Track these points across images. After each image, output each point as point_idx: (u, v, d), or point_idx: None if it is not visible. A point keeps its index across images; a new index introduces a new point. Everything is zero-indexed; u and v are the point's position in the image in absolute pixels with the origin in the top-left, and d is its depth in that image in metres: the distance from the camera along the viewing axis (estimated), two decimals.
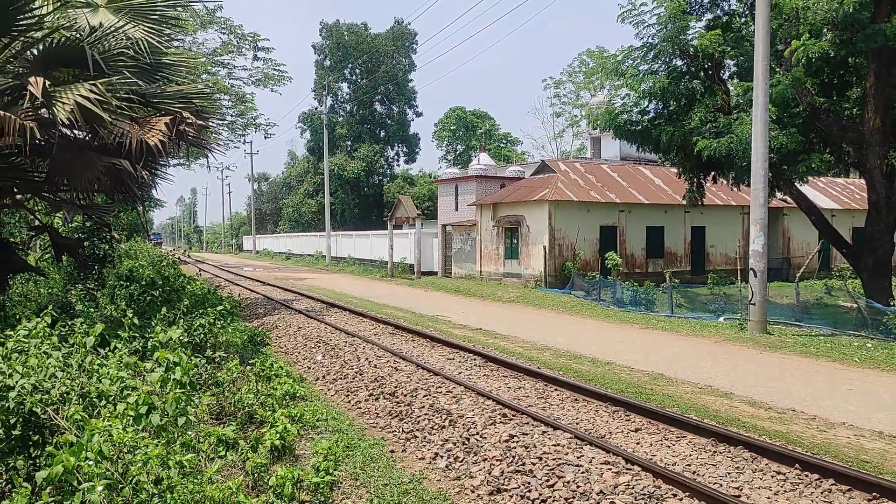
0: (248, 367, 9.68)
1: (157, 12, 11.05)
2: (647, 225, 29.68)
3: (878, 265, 17.63)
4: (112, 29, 10.31)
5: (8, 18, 9.68)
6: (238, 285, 29.85)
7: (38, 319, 7.14)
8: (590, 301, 22.39)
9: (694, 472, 6.59)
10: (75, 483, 4.48)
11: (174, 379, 5.27)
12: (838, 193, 37.66)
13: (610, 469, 6.55)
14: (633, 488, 6.14)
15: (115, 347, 7.52)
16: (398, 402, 9.45)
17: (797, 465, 6.62)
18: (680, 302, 21.43)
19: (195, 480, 4.54)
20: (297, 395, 9.48)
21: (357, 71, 64.05)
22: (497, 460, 6.94)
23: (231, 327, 12.79)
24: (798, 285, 18.78)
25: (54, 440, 5.32)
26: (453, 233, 34.52)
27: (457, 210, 34.16)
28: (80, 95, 9.08)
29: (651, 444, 7.50)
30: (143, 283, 12.60)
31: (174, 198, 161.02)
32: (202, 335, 10.49)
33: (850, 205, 35.74)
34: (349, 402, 9.91)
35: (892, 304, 16.32)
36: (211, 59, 28.01)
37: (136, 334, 8.71)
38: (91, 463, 4.30)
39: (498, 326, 16.97)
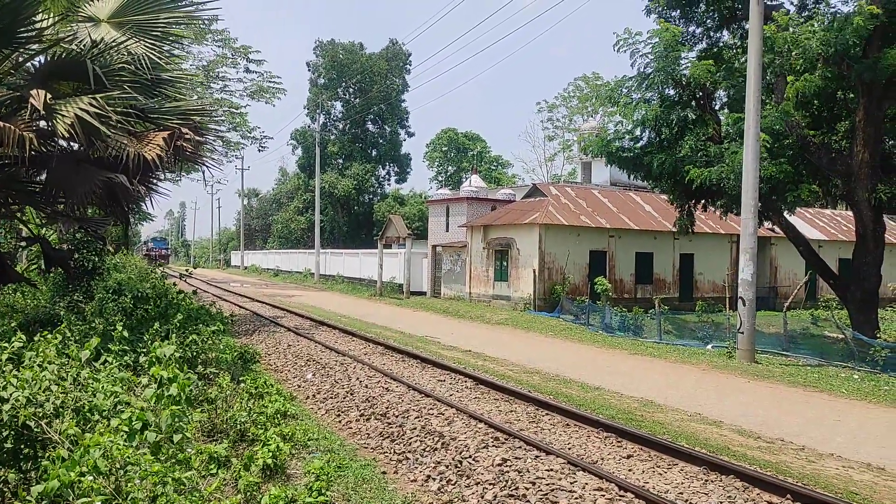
0: (241, 385, 9.62)
1: (160, 29, 11.12)
2: (636, 251, 29.89)
3: (865, 297, 17.80)
4: (114, 44, 10.37)
5: (9, 30, 9.72)
6: (226, 301, 29.68)
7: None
8: (578, 325, 22.46)
9: (686, 501, 6.61)
10: (70, 498, 4.44)
11: (169, 395, 5.24)
12: (825, 224, 38.07)
13: (603, 496, 6.56)
14: None
15: (106, 361, 7.47)
16: (389, 423, 9.42)
17: (789, 496, 6.65)
18: (668, 329, 21.51)
19: (192, 498, 4.51)
20: (289, 413, 9.44)
21: (350, 90, 64.34)
22: (490, 484, 6.93)
23: (221, 344, 12.72)
24: (786, 315, 18.90)
25: (47, 454, 5.26)
26: (443, 254, 34.57)
27: (447, 231, 34.25)
28: (81, 109, 9.11)
29: (643, 472, 7.52)
30: (134, 296, 12.52)
31: (163, 211, 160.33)
32: (194, 351, 10.44)
33: (837, 236, 36.14)
34: (340, 421, 9.86)
35: (878, 336, 16.47)
36: (207, 70, 28.06)
37: (128, 348, 8.64)
38: (90, 478, 4.27)
39: (487, 349, 16.98)
